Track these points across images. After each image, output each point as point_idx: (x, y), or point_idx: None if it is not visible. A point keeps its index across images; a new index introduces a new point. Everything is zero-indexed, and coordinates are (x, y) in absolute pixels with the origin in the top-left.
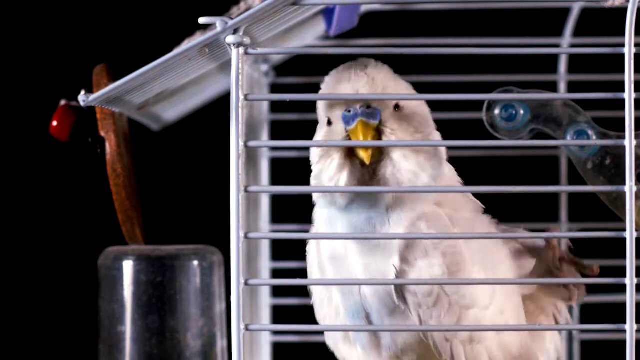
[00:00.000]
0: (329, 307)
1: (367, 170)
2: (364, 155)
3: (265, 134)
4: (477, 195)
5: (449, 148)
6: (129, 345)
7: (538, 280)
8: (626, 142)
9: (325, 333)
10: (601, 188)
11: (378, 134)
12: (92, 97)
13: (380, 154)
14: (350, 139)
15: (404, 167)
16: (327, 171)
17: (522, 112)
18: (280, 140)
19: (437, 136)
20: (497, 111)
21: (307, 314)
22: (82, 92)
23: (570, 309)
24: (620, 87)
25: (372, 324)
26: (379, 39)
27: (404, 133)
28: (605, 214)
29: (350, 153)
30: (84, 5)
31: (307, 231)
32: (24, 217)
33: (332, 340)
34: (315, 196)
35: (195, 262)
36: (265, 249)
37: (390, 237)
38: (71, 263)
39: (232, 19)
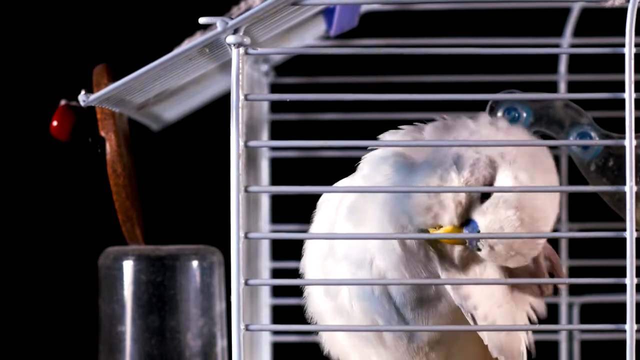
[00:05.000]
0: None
1: None
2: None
3: (265, 134)
4: None
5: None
6: (129, 345)
7: (536, 280)
8: (626, 142)
9: (329, 340)
10: (601, 188)
11: None
12: (92, 97)
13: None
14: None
15: None
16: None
17: (524, 114)
18: (280, 140)
19: None
20: (499, 114)
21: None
22: (82, 92)
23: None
24: (620, 87)
25: (398, 308)
26: (379, 39)
27: None
28: (605, 214)
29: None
30: (84, 5)
31: (307, 231)
32: (24, 217)
33: (342, 351)
34: None
35: (195, 262)
36: (265, 249)
37: (394, 237)
38: (71, 263)
39: (232, 19)
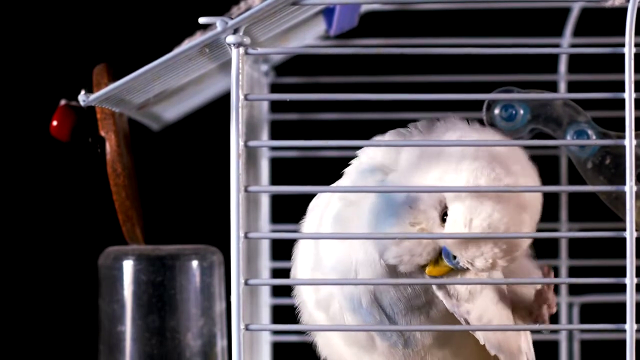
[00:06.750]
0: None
1: None
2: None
3: (265, 134)
4: None
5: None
6: (129, 345)
7: (538, 280)
8: (626, 142)
9: (325, 347)
10: (601, 188)
11: None
12: (92, 96)
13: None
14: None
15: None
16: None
17: (521, 111)
18: (280, 140)
19: None
20: (496, 111)
21: None
22: (82, 92)
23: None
24: (620, 87)
25: (390, 317)
26: (379, 39)
27: None
28: (605, 214)
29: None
30: (84, 5)
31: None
32: (24, 217)
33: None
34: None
35: (195, 262)
36: (265, 248)
37: (391, 237)
38: (71, 263)
39: (232, 18)
